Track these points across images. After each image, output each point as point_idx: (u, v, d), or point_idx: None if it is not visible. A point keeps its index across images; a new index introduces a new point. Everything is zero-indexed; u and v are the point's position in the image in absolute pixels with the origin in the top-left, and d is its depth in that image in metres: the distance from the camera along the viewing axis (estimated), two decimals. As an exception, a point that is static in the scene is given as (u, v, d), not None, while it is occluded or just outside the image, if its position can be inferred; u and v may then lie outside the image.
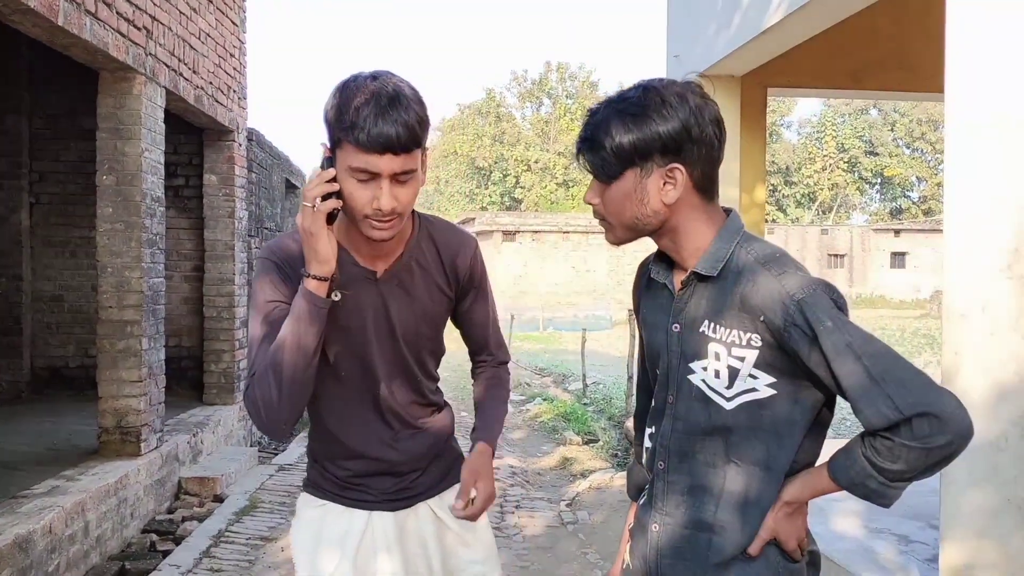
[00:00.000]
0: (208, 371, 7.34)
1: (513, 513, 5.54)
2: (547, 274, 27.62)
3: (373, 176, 1.54)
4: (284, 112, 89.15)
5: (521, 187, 42.68)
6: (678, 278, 1.54)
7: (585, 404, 10.23)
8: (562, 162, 42.28)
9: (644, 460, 1.64)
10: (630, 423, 7.80)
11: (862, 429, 1.36)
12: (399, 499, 1.85)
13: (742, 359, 1.43)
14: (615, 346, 17.71)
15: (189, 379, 7.65)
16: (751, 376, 1.43)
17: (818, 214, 52.55)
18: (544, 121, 45.06)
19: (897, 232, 39.71)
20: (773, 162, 50.59)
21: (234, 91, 7.33)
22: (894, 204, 54.45)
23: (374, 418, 1.81)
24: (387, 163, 1.52)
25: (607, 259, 28.23)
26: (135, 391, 5.23)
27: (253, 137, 7.91)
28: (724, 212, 1.52)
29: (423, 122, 1.56)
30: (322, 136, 1.64)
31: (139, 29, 5.18)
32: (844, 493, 1.43)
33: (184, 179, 7.61)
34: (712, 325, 1.46)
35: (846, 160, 50.64)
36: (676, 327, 1.51)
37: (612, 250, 28.18)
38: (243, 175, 7.56)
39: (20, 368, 7.53)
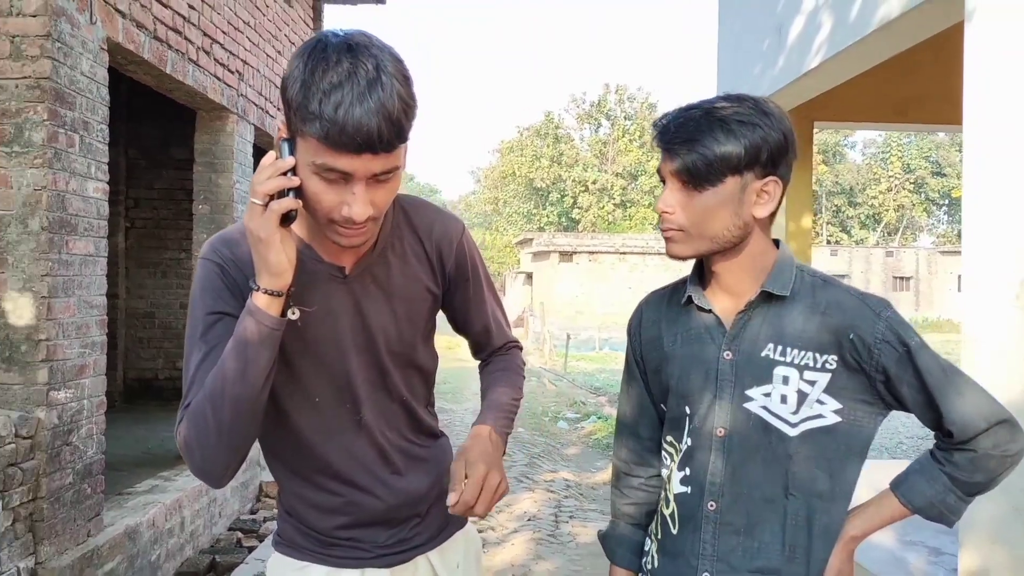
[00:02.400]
0: (284, 384, 7.85)
1: (567, 523, 5.87)
2: (604, 295, 27.85)
3: (344, 176, 1.22)
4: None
5: (578, 208, 43.04)
6: (722, 303, 1.46)
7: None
8: (619, 183, 42.52)
9: (673, 509, 1.48)
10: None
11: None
12: (396, 552, 1.53)
13: (813, 383, 1.39)
14: (671, 367, 17.87)
15: (266, 392, 8.18)
16: (819, 401, 1.39)
17: (883, 235, 51.68)
18: (602, 142, 45.41)
19: (962, 252, 38.87)
20: (837, 182, 50.01)
21: (311, 124, 7.87)
22: (962, 226, 53.21)
23: (361, 451, 1.48)
24: (364, 164, 1.20)
25: (664, 280, 28.22)
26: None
27: (327, 166, 8.45)
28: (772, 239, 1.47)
29: (410, 109, 1.22)
30: (280, 114, 1.43)
31: (232, 73, 5.73)
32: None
33: (264, 205, 8.18)
34: (780, 348, 1.40)
35: (912, 181, 49.77)
36: (728, 354, 1.43)
37: (669, 271, 28.28)
38: (318, 201, 8.10)
39: (114, 379, 8.16)
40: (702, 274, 1.50)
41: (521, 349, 1.72)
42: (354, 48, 1.19)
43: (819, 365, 1.38)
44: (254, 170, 6.29)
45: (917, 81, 5.82)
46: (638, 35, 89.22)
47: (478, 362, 1.72)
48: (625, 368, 1.64)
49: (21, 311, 3.52)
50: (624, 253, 28.28)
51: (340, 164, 1.19)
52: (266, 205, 1.21)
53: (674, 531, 1.48)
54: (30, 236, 3.52)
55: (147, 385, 8.32)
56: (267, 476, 6.38)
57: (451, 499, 1.33)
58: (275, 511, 5.94)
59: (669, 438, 1.52)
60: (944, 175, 50.10)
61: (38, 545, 3.53)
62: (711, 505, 1.43)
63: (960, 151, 50.57)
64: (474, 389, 12.21)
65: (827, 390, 1.39)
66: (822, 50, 4.42)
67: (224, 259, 1.36)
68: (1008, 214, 2.93)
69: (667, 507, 1.51)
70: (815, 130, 5.99)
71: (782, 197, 1.41)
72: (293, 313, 1.31)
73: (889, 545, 4.06)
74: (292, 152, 1.23)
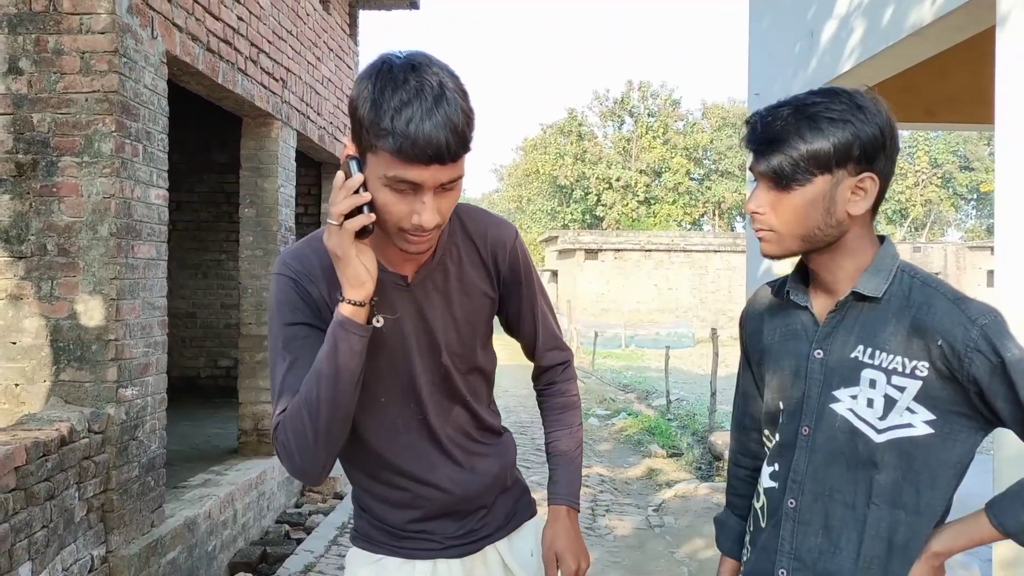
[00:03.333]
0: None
1: (604, 516, 6.02)
2: (629, 292, 27.89)
3: (414, 187, 1.30)
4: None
5: (603, 205, 43.05)
6: (820, 300, 1.44)
7: (669, 419, 10.59)
8: (643, 180, 42.47)
9: (763, 503, 1.50)
10: (714, 437, 8.17)
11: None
12: (466, 543, 1.61)
13: (902, 389, 1.33)
14: (698, 364, 17.95)
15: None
16: (909, 410, 1.33)
17: (911, 231, 51.20)
18: (626, 139, 45.38)
19: (994, 250, 38.44)
20: (861, 178, 49.66)
21: (349, 128, 8.06)
22: (991, 221, 52.60)
23: (429, 449, 1.57)
24: (433, 174, 1.28)
25: (689, 277, 28.33)
26: (270, 397, 5.93)
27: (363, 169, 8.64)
28: (878, 236, 1.43)
29: (471, 121, 1.32)
30: (346, 135, 1.48)
31: (277, 80, 5.92)
32: None
33: (303, 208, 8.38)
34: (869, 350, 1.36)
35: (940, 176, 49.27)
36: (819, 353, 1.41)
37: (694, 268, 28.27)
38: (354, 203, 8.29)
39: (158, 377, 8.42)
40: (806, 269, 1.46)
41: (572, 360, 1.78)
42: (418, 67, 1.28)
43: (908, 371, 1.32)
44: (297, 174, 6.52)
45: (947, 82, 5.88)
46: (661, 31, 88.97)
47: (533, 384, 1.79)
48: (740, 359, 1.65)
49: (92, 312, 3.72)
50: (649, 250, 28.30)
51: (411, 175, 1.28)
52: (341, 224, 1.30)
53: (763, 524, 1.49)
54: (100, 242, 3.72)
55: (190, 383, 8.55)
56: (310, 471, 6.57)
57: None
58: (318, 505, 6.15)
59: (766, 432, 1.52)
60: (972, 169, 49.57)
61: (109, 534, 3.73)
62: (791, 503, 1.42)
63: (988, 144, 50.08)
64: (512, 381, 12.34)
65: (918, 398, 1.32)
66: (854, 54, 4.51)
67: (296, 273, 1.46)
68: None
69: (758, 500, 1.51)
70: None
71: (882, 192, 1.36)
72: (378, 321, 1.40)
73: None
74: (361, 169, 1.31)
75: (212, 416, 7.44)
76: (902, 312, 1.35)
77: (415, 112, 1.24)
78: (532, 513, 1.73)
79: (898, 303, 1.36)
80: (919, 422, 1.32)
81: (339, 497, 6.36)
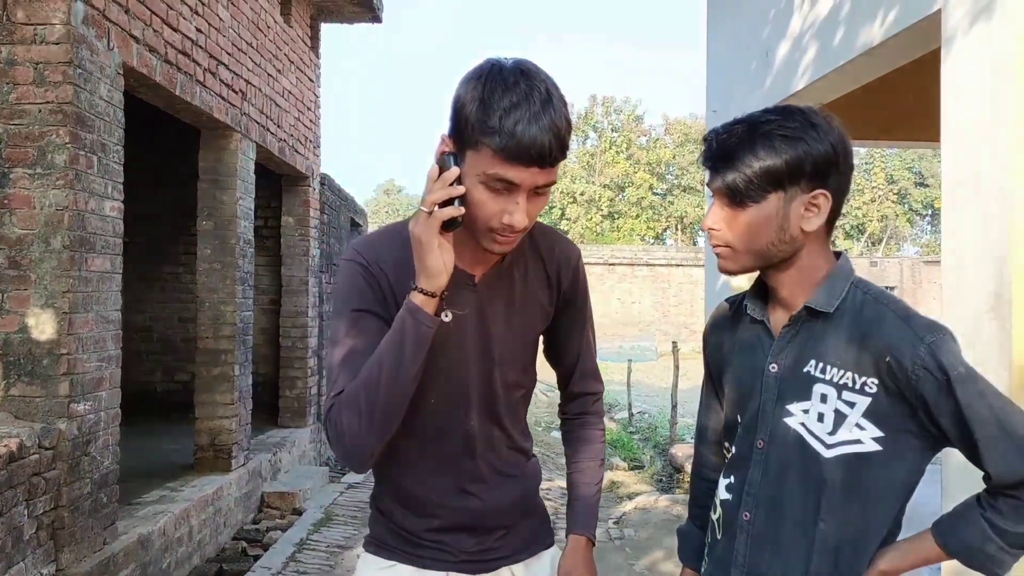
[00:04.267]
0: (283, 396, 7.97)
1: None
2: (593, 306, 27.99)
3: (509, 187, 1.33)
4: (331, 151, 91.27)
5: (567, 219, 43.26)
6: (777, 315, 1.46)
7: (631, 432, 10.66)
8: (607, 194, 42.79)
9: (719, 515, 1.50)
10: (675, 450, 8.24)
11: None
12: (481, 560, 1.58)
13: (852, 404, 1.33)
14: (660, 377, 18.07)
15: (264, 404, 8.29)
16: (858, 426, 1.33)
17: (867, 246, 52.14)
18: (590, 154, 45.71)
19: (941, 263, 39.21)
20: (820, 194, 50.53)
21: (310, 141, 8.04)
22: (941, 240, 53.73)
23: (462, 460, 1.54)
24: (531, 176, 1.32)
25: (652, 291, 28.56)
26: (227, 413, 5.86)
27: (325, 182, 8.60)
28: (835, 252, 1.44)
29: (571, 130, 1.36)
30: (443, 127, 1.40)
31: (236, 93, 5.88)
32: None
33: (263, 220, 8.31)
34: (821, 365, 1.36)
35: (896, 192, 50.30)
36: (773, 367, 1.42)
37: (657, 282, 28.51)
38: (316, 217, 8.25)
39: (113, 392, 8.27)
40: (765, 284, 1.48)
41: (602, 396, 1.76)
42: (527, 73, 1.32)
43: (858, 387, 1.32)
44: (256, 186, 6.47)
45: (900, 101, 6.03)
46: (624, 47, 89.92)
47: (561, 411, 1.75)
48: (704, 372, 1.67)
49: (44, 326, 3.65)
50: (613, 264, 28.49)
51: (511, 175, 1.31)
52: (430, 212, 1.32)
53: (719, 536, 1.49)
54: (52, 254, 3.66)
55: (146, 398, 8.41)
56: (268, 487, 6.50)
57: None
58: (277, 521, 6.08)
59: (725, 443, 1.53)
60: (927, 186, 50.68)
61: (59, 552, 3.65)
62: (746, 515, 1.42)
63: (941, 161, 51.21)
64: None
65: (867, 415, 1.32)
66: (808, 73, 4.62)
67: (368, 260, 1.46)
68: (984, 228, 3.12)
69: (715, 512, 1.52)
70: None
71: (836, 209, 1.38)
72: (447, 316, 1.44)
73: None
74: (458, 163, 1.34)
75: (168, 431, 7.31)
76: (853, 328, 1.35)
77: (523, 114, 1.28)
78: (551, 542, 1.69)
79: (850, 319, 1.36)
80: (868, 438, 1.32)
81: (298, 513, 6.29)
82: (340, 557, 5.27)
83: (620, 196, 43.91)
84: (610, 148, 44.22)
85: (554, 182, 1.37)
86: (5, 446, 3.26)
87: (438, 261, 1.34)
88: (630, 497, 6.99)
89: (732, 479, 1.46)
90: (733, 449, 1.48)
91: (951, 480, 3.19)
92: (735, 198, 1.36)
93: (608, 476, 8.03)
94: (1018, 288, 2.97)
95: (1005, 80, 3.02)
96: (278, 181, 8.02)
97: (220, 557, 5.30)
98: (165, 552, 4.62)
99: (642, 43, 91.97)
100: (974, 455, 1.27)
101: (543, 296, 1.58)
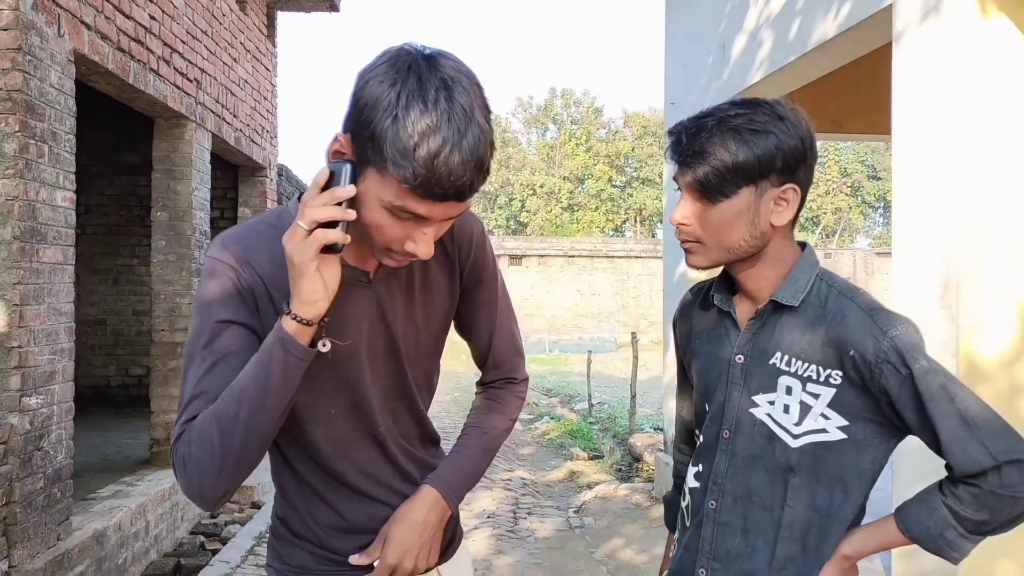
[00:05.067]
0: (240, 389, 7.89)
1: (526, 519, 6.06)
2: (553, 297, 28.14)
3: (418, 219, 1.15)
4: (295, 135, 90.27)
5: (527, 211, 43.32)
6: (743, 307, 1.46)
7: (591, 423, 10.71)
8: (567, 187, 42.92)
9: (687, 502, 1.52)
10: (634, 439, 8.31)
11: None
12: (416, 569, 1.41)
13: (817, 396, 1.35)
14: (620, 368, 18.22)
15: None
16: (823, 416, 1.35)
17: (822, 238, 52.97)
18: (549, 146, 45.79)
19: (892, 253, 40.03)
20: (776, 186, 51.28)
21: (267, 131, 7.94)
22: (892, 231, 54.79)
23: (376, 464, 1.40)
24: (444, 210, 1.15)
25: (611, 283, 28.75)
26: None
27: (283, 172, 8.51)
28: (799, 243, 1.44)
29: (493, 147, 1.16)
30: (338, 131, 1.19)
31: (191, 81, 5.79)
32: None
33: (219, 211, 8.20)
34: (786, 358, 1.38)
35: (849, 184, 51.19)
36: (740, 358, 1.43)
37: (616, 274, 28.70)
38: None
39: (65, 387, 8.11)
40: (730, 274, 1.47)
41: (525, 382, 1.58)
42: (448, 82, 1.10)
43: (822, 379, 1.34)
44: (212, 177, 6.38)
45: (853, 94, 6.15)
46: (583, 39, 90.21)
47: (477, 383, 1.59)
48: (676, 359, 1.66)
49: (-7, 319, 3.57)
50: (572, 256, 28.60)
51: (421, 210, 1.12)
52: (310, 232, 1.12)
53: (687, 524, 1.51)
54: (2, 245, 3.58)
55: (100, 392, 8.27)
56: (227, 480, 6.43)
57: (357, 560, 1.36)
58: (235, 515, 6.02)
59: (696, 431, 1.53)
60: (879, 179, 51.66)
61: (11, 549, 3.58)
62: (712, 504, 1.44)
63: (894, 156, 52.24)
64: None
65: (832, 405, 1.34)
66: (764, 66, 4.69)
67: (238, 261, 1.26)
68: (934, 220, 3.20)
69: (684, 500, 1.54)
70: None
71: (802, 203, 1.38)
72: (324, 345, 1.22)
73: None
74: (354, 179, 1.13)
75: (123, 426, 7.21)
76: (818, 321, 1.36)
77: (443, 144, 1.07)
78: (461, 538, 1.56)
79: (815, 312, 1.37)
80: (833, 428, 1.34)
81: (256, 507, 6.24)
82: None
83: (580, 188, 44.07)
84: (569, 141, 44.34)
85: (468, 207, 1.19)
86: (-46, 441, 3.19)
87: (317, 285, 1.15)
88: (590, 486, 7.05)
89: (700, 467, 1.48)
90: (701, 438, 1.50)
91: (902, 464, 3.28)
92: (706, 193, 1.34)
93: (568, 466, 8.08)
94: (966, 278, 3.06)
95: (953, 74, 3.10)
96: (234, 172, 7.91)
97: (178, 552, 5.24)
98: (121, 547, 4.56)
99: (602, 36, 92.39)
100: (936, 446, 1.29)
101: (445, 280, 1.42)
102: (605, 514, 6.08)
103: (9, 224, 3.59)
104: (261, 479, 6.57)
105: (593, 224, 42.40)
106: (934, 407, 1.27)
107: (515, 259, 28.12)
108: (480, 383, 1.58)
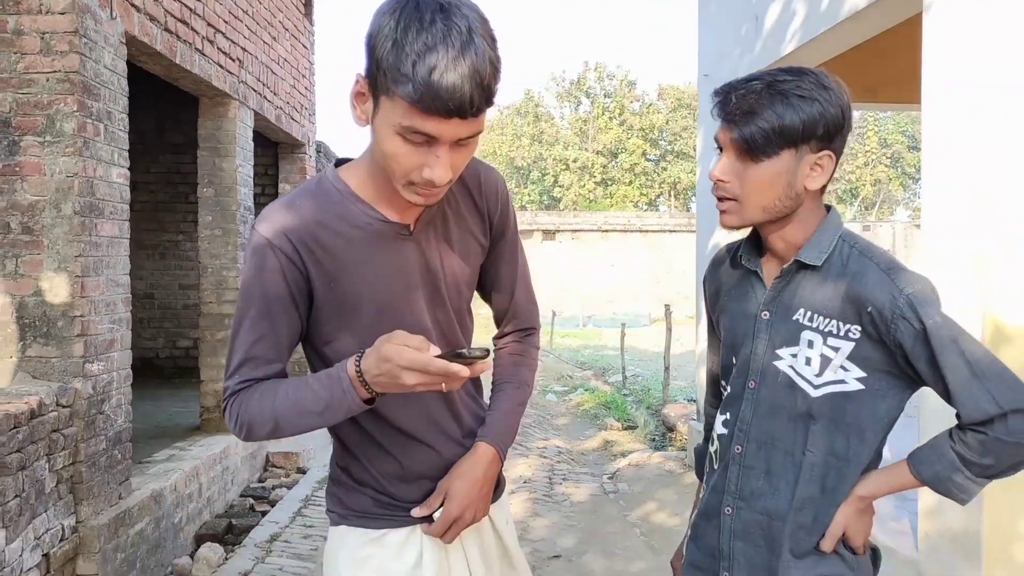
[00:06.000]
0: (283, 361, 8.12)
1: (561, 484, 6.23)
2: (587, 272, 28.18)
3: (429, 140, 1.21)
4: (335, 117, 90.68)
5: (560, 186, 43.25)
6: (770, 266, 1.54)
7: (625, 395, 10.84)
8: (600, 161, 42.74)
9: (716, 448, 1.63)
10: (667, 410, 8.44)
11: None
12: None
13: (837, 349, 1.43)
14: (653, 342, 18.27)
15: (265, 368, 8.47)
16: (842, 368, 1.43)
17: (861, 210, 52.20)
18: (582, 120, 45.56)
19: (921, 224, 39.33)
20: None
21: (306, 108, 8.11)
22: (922, 202, 53.75)
23: (438, 411, 1.50)
24: (452, 128, 1.19)
25: (646, 258, 28.70)
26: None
27: (321, 149, 8.69)
28: (825, 206, 1.52)
29: (498, 72, 1.20)
30: (359, 73, 1.25)
31: (233, 60, 5.95)
32: None
33: (261, 188, 8.40)
34: (809, 314, 1.46)
35: (889, 155, 50.29)
36: (765, 314, 1.52)
37: (651, 249, 28.64)
38: (313, 183, 8.34)
39: (116, 358, 8.43)
40: (759, 235, 1.56)
41: (538, 331, 1.70)
42: (447, 8, 1.16)
43: (842, 333, 1.43)
44: (254, 153, 6.54)
45: (888, 63, 6.13)
46: (616, 13, 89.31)
47: (494, 338, 1.69)
48: (706, 316, 1.77)
49: (57, 290, 3.78)
50: (606, 231, 28.59)
51: (428, 128, 1.18)
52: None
53: (715, 467, 1.62)
54: (63, 220, 3.78)
55: (149, 364, 8.56)
56: (273, 447, 6.67)
57: (418, 512, 1.48)
58: (282, 480, 6.25)
59: (723, 382, 1.64)
60: (920, 149, 50.56)
61: (78, 505, 3.81)
62: (737, 448, 1.54)
63: (935, 126, 51.08)
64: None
65: (851, 358, 1.43)
66: (796, 37, 4.72)
67: (281, 234, 1.36)
68: (964, 190, 3.26)
69: (712, 445, 1.65)
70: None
71: (835, 170, 1.45)
72: (373, 401, 1.32)
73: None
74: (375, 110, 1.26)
75: (172, 396, 7.48)
76: (839, 279, 1.44)
77: (439, 60, 1.13)
78: (504, 481, 1.67)
79: (836, 271, 1.45)
80: (851, 379, 1.44)
81: (302, 472, 6.47)
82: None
83: (613, 163, 43.84)
84: (603, 114, 44.07)
85: (480, 131, 1.24)
86: (26, 403, 3.41)
87: (400, 386, 1.25)
88: (624, 455, 7.19)
89: (728, 416, 1.58)
90: (728, 388, 1.60)
91: (926, 431, 3.36)
92: (750, 151, 1.41)
93: (602, 436, 8.23)
94: (994, 247, 3.12)
95: (983, 42, 3.14)
96: (275, 149, 8.10)
97: (229, 513, 5.48)
98: (177, 507, 4.80)
99: (635, 9, 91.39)
100: (947, 396, 1.39)
101: (477, 230, 1.51)
102: (639, 480, 6.22)
103: (70, 200, 3.78)
104: (306, 445, 6.81)
105: (627, 198, 42.22)
106: (945, 359, 1.35)
107: (548, 234, 28.18)
108: (500, 335, 1.68)
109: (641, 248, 28.70)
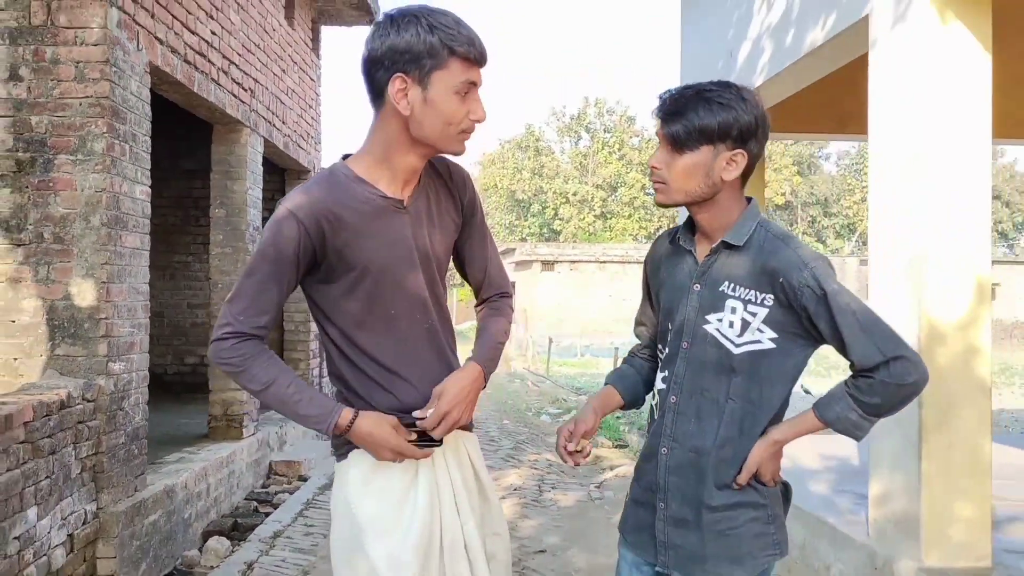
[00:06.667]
0: (287, 377, 8.45)
1: (550, 491, 6.53)
2: (585, 303, 28.53)
3: (471, 88, 1.67)
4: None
5: (560, 219, 43.75)
6: (701, 246, 1.85)
7: (617, 417, 11.13)
8: (600, 195, 43.28)
9: (656, 400, 1.91)
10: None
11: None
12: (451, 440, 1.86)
13: (755, 315, 1.74)
14: (649, 369, 18.57)
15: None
16: (759, 330, 1.74)
17: (858, 245, 52.56)
18: (582, 155, 46.22)
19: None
20: (812, 193, 51.05)
21: (312, 136, 8.54)
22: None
23: (428, 356, 1.84)
24: (481, 75, 1.69)
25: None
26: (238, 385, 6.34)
27: (325, 175, 9.10)
28: (746, 198, 1.84)
29: None
30: (397, 79, 1.66)
31: (246, 90, 6.38)
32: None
33: (268, 212, 8.80)
34: (732, 285, 1.76)
35: (884, 191, 50.63)
36: (697, 286, 1.81)
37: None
38: (317, 208, 8.74)
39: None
40: (694, 223, 1.88)
41: (511, 296, 2.05)
42: (429, 8, 1.68)
43: (759, 301, 1.74)
44: (265, 177, 6.93)
45: (855, 96, 6.52)
46: (616, 50, 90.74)
47: (475, 307, 2.05)
48: (642, 294, 2.07)
49: (84, 294, 4.15)
50: (604, 262, 29.00)
51: (474, 76, 1.67)
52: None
53: (655, 416, 1.91)
54: (92, 231, 4.16)
55: (157, 379, 8.85)
56: (276, 456, 6.99)
57: (419, 413, 1.77)
58: (284, 487, 6.56)
59: (660, 346, 1.94)
60: (915, 185, 51.01)
61: (99, 492, 4.14)
62: (672, 398, 1.84)
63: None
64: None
65: (766, 321, 1.73)
66: (764, 70, 5.13)
67: (300, 209, 1.69)
68: (903, 207, 3.63)
69: (652, 399, 1.95)
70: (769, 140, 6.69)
71: (750, 167, 1.77)
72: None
73: (825, 492, 4.76)
74: (430, 441, 1.77)
75: (180, 409, 7.80)
76: (757, 257, 1.76)
77: (464, 27, 1.65)
78: (474, 425, 1.98)
79: (755, 250, 1.77)
80: (766, 339, 1.75)
81: (303, 480, 6.78)
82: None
83: (612, 196, 44.37)
84: (603, 149, 44.70)
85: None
86: (57, 394, 3.76)
87: (387, 455, 1.73)
88: (612, 468, 7.50)
89: (665, 373, 1.88)
90: (666, 350, 1.89)
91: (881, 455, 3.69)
92: (676, 145, 1.74)
93: (593, 452, 8.53)
94: (931, 256, 3.47)
95: (917, 74, 3.53)
96: (280, 176, 8.52)
97: (234, 513, 5.79)
98: (187, 504, 5.12)
99: (635, 45, 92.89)
100: (842, 348, 1.71)
101: (452, 210, 1.89)
102: (625, 488, 6.49)
103: (98, 212, 4.17)
104: (307, 456, 7.13)
105: (626, 231, 42.68)
106: (841, 318, 1.68)
107: (547, 265, 28.58)
108: (480, 301, 2.05)
109: (638, 279, 29.01)
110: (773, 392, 1.78)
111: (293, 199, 1.73)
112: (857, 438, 1.76)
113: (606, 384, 2.06)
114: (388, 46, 1.65)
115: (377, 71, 1.68)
